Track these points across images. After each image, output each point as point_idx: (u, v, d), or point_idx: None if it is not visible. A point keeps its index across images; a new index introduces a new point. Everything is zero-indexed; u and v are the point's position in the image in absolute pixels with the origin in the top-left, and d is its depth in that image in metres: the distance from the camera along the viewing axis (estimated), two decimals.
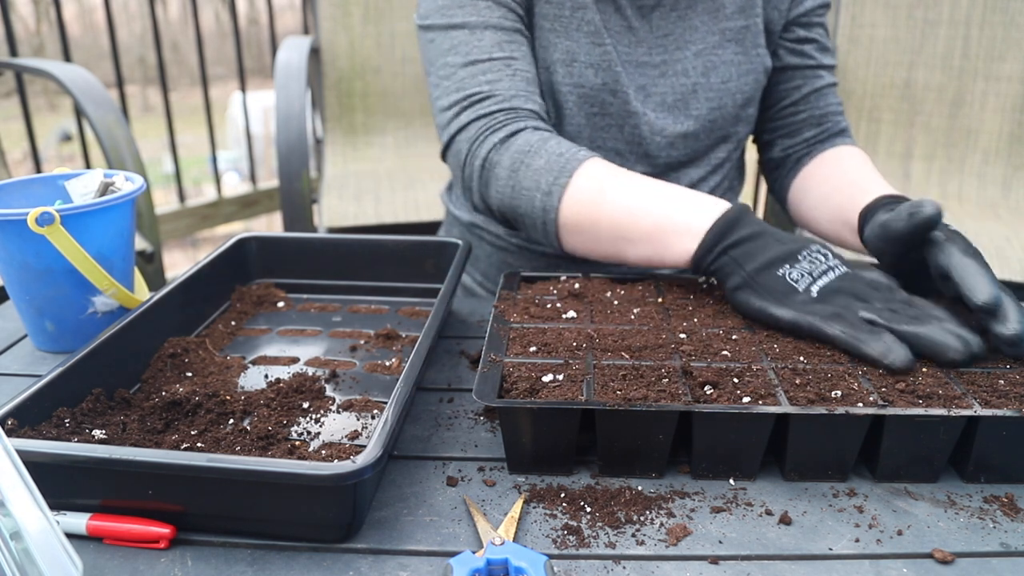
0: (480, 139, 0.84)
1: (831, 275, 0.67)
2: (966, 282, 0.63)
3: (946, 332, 0.62)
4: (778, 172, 1.04)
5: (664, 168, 0.98)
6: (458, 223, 1.09)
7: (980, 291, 0.62)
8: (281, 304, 0.87)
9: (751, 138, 1.06)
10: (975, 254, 0.66)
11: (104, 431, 0.59)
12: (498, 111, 0.84)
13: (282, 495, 0.50)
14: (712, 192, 1.02)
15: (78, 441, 0.57)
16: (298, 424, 0.63)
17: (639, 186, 0.78)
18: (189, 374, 0.70)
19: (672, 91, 0.93)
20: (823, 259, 0.68)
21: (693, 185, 1.00)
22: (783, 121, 1.00)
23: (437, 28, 0.87)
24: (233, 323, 0.82)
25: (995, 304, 0.62)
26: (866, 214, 0.79)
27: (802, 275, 0.67)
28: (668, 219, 0.74)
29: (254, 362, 0.75)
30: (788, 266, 0.67)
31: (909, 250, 0.70)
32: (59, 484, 0.52)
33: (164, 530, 0.51)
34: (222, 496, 0.51)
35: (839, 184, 0.90)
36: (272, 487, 0.49)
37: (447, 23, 0.87)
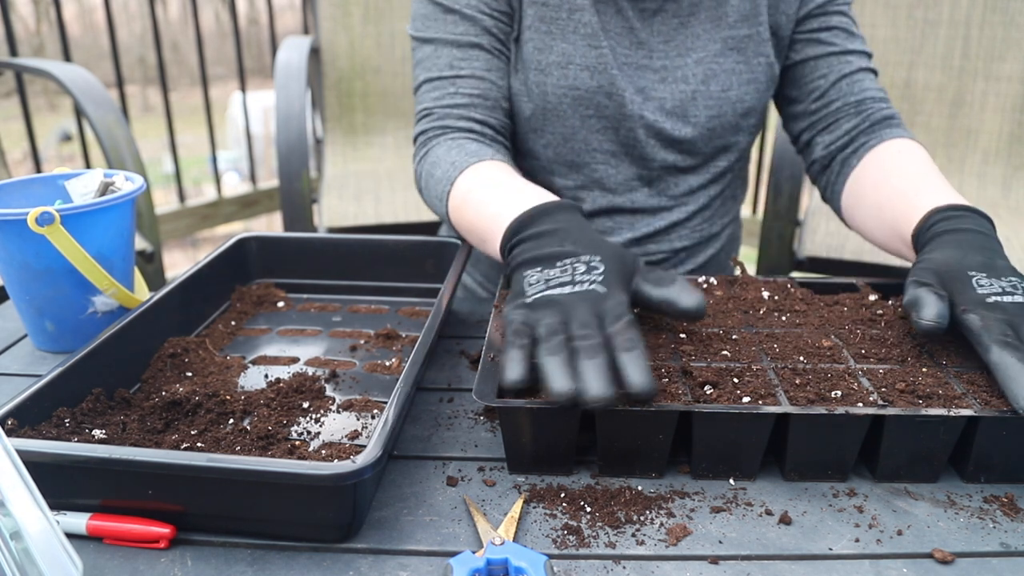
0: (415, 155, 0.93)
1: (566, 289, 0.61)
2: (1009, 387, 0.56)
3: (564, 371, 0.54)
4: (826, 177, 0.95)
5: (660, 173, 0.97)
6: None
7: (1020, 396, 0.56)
8: (281, 304, 0.87)
9: (794, 148, 1.01)
10: (1013, 347, 0.58)
11: (104, 431, 0.59)
12: (430, 128, 0.91)
13: (282, 495, 0.50)
14: (712, 201, 1.01)
15: (78, 441, 0.57)
16: (298, 424, 0.63)
17: (493, 189, 0.80)
18: (189, 374, 0.70)
19: (671, 97, 0.92)
20: (581, 270, 0.62)
21: (691, 192, 0.99)
22: (818, 115, 0.94)
23: (415, 40, 0.94)
24: (233, 323, 0.82)
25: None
26: (917, 235, 0.74)
27: (539, 281, 0.63)
28: (495, 217, 0.74)
29: (254, 362, 0.75)
30: (538, 269, 0.64)
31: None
32: (59, 484, 0.52)
33: (164, 530, 0.51)
34: (222, 496, 0.51)
35: (890, 195, 0.82)
36: (272, 487, 0.49)
37: (420, 36, 0.93)
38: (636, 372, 0.54)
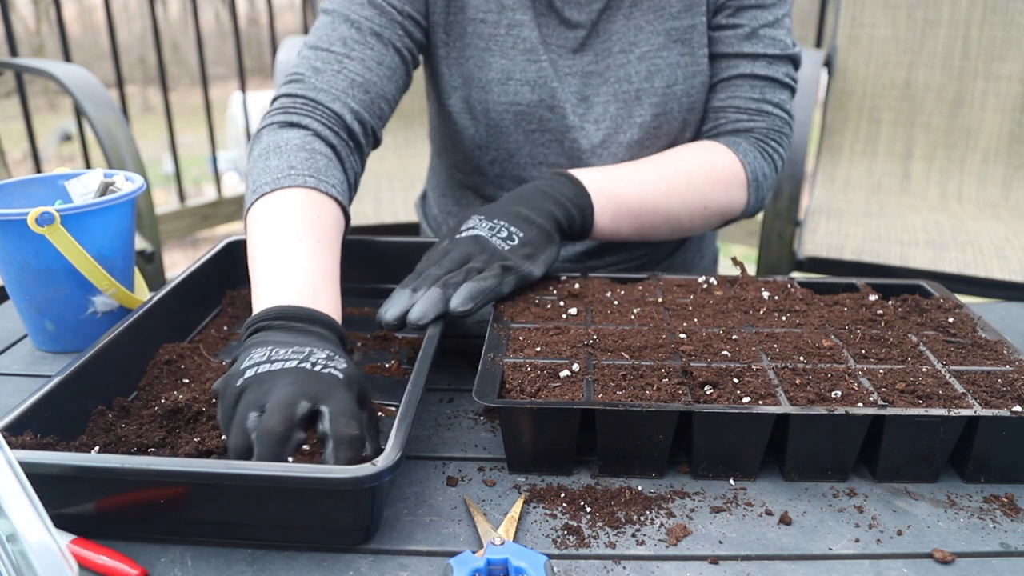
0: (266, 114, 0.82)
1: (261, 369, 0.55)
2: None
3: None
4: None
5: None
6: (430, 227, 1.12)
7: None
8: None
9: None
10: (416, 275, 0.73)
11: (105, 441, 0.59)
12: (296, 97, 0.82)
13: (302, 500, 0.50)
14: None
15: (76, 451, 0.57)
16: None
17: (267, 247, 0.68)
18: (186, 380, 0.70)
19: (615, 98, 0.91)
20: (275, 356, 0.56)
21: None
22: None
23: (320, 12, 0.88)
24: (226, 328, 0.82)
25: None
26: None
27: (250, 365, 0.55)
28: (257, 286, 0.66)
29: None
30: (242, 359, 0.56)
31: None
32: (63, 495, 0.51)
33: (133, 572, 0.49)
34: (239, 503, 0.51)
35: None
36: (292, 493, 0.49)
37: (326, 8, 0.87)
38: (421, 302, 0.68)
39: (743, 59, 0.89)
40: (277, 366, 0.54)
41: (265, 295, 0.63)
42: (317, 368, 0.55)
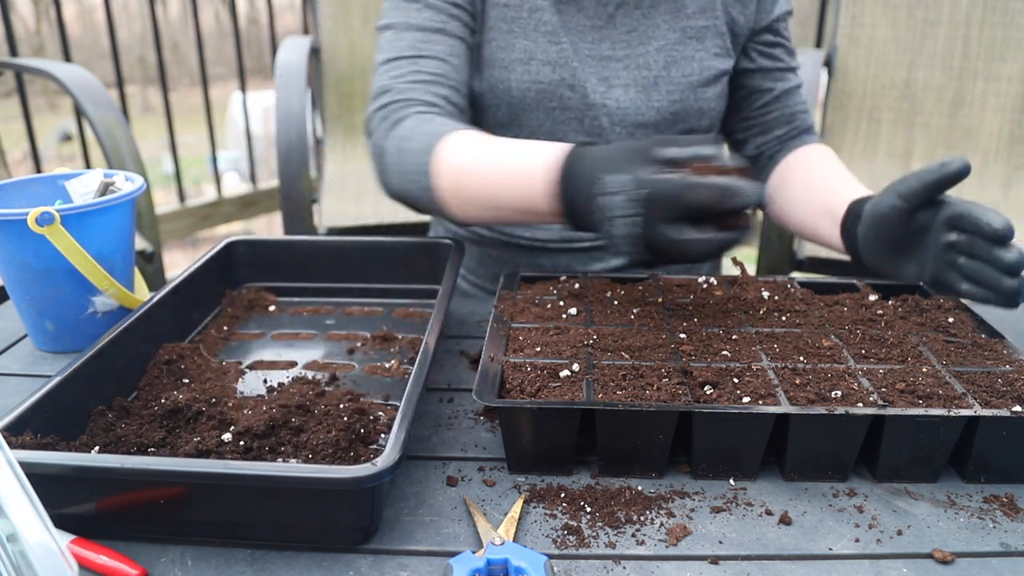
0: (376, 130, 0.89)
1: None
2: (984, 216, 0.65)
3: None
4: (753, 168, 1.05)
5: None
6: (441, 224, 1.12)
7: (996, 220, 0.65)
8: (272, 308, 0.87)
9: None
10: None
11: (105, 441, 0.59)
12: (392, 102, 0.88)
13: (302, 500, 0.50)
14: None
15: (76, 451, 0.57)
16: (303, 428, 0.63)
17: (495, 150, 0.80)
18: (186, 380, 0.70)
19: (635, 82, 0.96)
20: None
21: None
22: (756, 120, 1.04)
23: (380, 29, 0.95)
24: (225, 328, 0.82)
25: (1008, 231, 0.64)
26: (855, 206, 0.81)
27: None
28: (527, 168, 0.75)
29: (251, 367, 0.74)
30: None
31: (919, 207, 0.71)
32: (66, 496, 0.52)
33: (133, 572, 0.50)
34: (239, 504, 0.51)
35: (819, 181, 0.94)
36: (293, 493, 0.49)
37: (381, 25, 0.94)
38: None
39: (792, 72, 1.03)
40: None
41: (535, 158, 0.74)
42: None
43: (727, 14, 0.98)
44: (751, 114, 1.04)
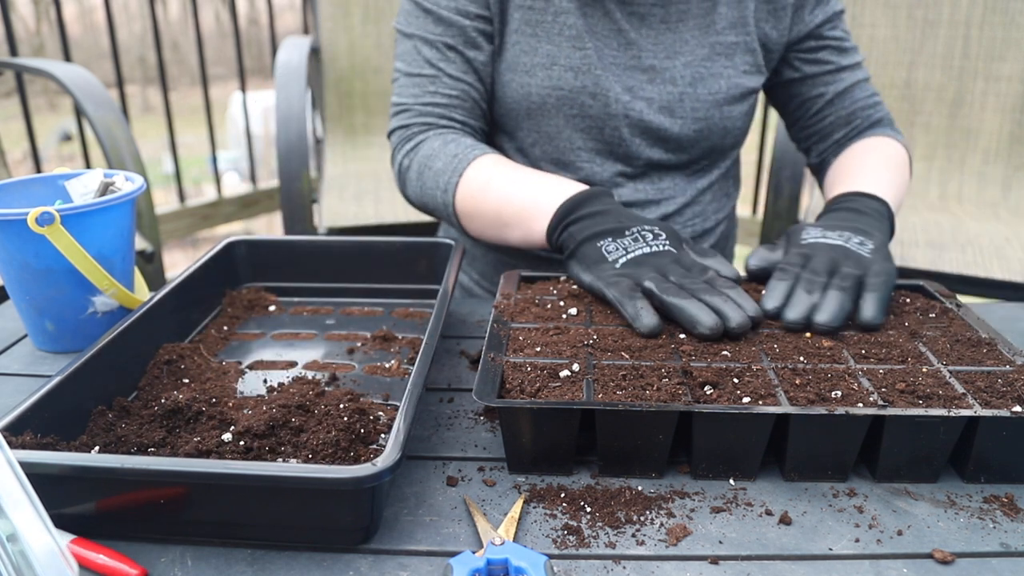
0: (398, 147, 0.96)
1: (645, 250, 0.74)
2: (762, 300, 0.71)
3: (702, 307, 0.66)
4: (819, 178, 1.06)
5: (644, 169, 0.98)
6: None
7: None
8: (272, 308, 0.87)
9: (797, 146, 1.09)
10: (789, 273, 0.73)
11: (105, 441, 0.59)
12: (412, 124, 0.95)
13: (302, 500, 0.50)
14: (701, 196, 1.02)
15: (76, 451, 0.57)
16: (304, 428, 0.63)
17: (516, 176, 0.86)
18: (186, 380, 0.70)
19: (659, 97, 0.94)
20: (649, 237, 0.75)
21: (678, 188, 1.00)
22: (813, 128, 1.03)
23: (399, 34, 0.97)
24: (225, 328, 0.82)
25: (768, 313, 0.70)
26: (822, 211, 0.86)
27: (618, 248, 0.74)
28: (532, 202, 0.83)
29: (251, 367, 0.74)
30: (609, 240, 0.75)
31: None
32: (66, 496, 0.51)
33: (133, 572, 0.50)
34: (238, 503, 0.51)
35: (836, 178, 0.95)
36: (292, 492, 0.49)
37: (404, 31, 0.96)
38: (747, 301, 0.68)
39: (846, 71, 1.00)
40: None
41: (549, 198, 0.82)
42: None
43: (760, 29, 0.95)
44: (808, 123, 1.03)
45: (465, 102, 0.94)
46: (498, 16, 0.94)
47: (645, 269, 0.71)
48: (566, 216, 0.79)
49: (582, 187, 0.82)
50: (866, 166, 0.93)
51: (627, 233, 0.75)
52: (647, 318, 0.67)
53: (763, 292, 0.72)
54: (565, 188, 0.82)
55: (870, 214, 0.83)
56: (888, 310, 0.73)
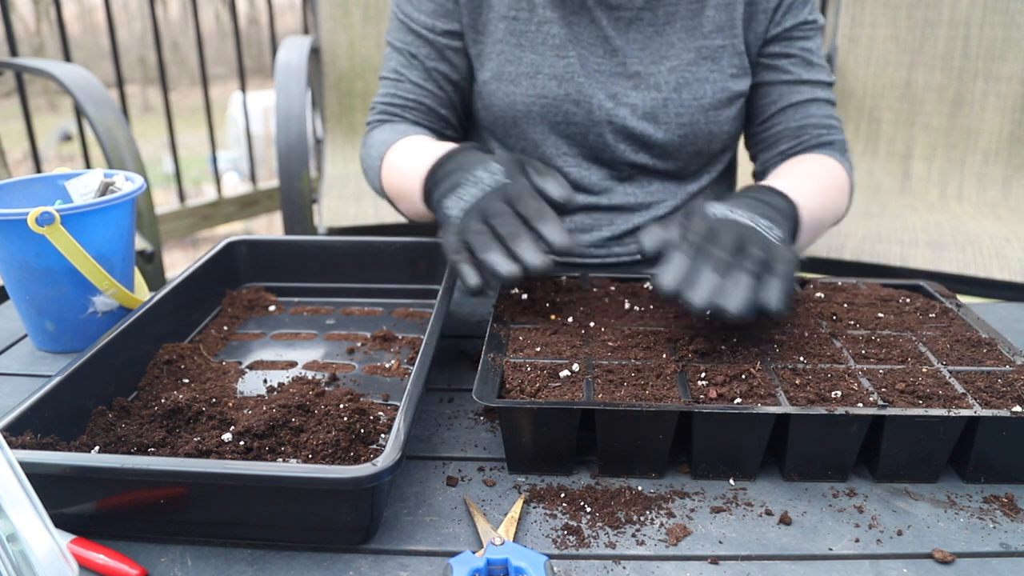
0: (368, 126, 1.03)
1: (477, 192, 0.72)
2: (658, 274, 0.63)
3: (501, 256, 0.64)
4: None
5: (631, 173, 0.99)
6: None
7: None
8: (272, 308, 0.87)
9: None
10: (687, 243, 0.65)
11: (105, 441, 0.59)
12: (373, 120, 1.02)
13: (302, 500, 0.50)
14: (693, 199, 1.01)
15: (76, 451, 0.57)
16: (304, 428, 0.63)
17: (412, 154, 0.89)
18: (186, 380, 0.70)
19: (643, 103, 0.94)
20: (485, 177, 0.72)
21: (669, 191, 1.00)
22: (761, 135, 1.00)
23: (386, 40, 1.03)
24: (225, 328, 0.82)
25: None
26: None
27: (456, 203, 0.73)
28: (414, 175, 0.84)
29: (251, 367, 0.74)
30: (451, 196, 0.74)
31: None
32: (66, 496, 0.51)
33: (133, 572, 0.50)
34: (239, 503, 0.51)
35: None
36: (293, 492, 0.49)
37: (387, 38, 1.02)
38: (552, 231, 0.65)
39: (806, 85, 0.97)
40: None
41: (423, 165, 0.82)
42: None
43: (745, 34, 0.94)
44: (755, 129, 1.01)
45: (420, 106, 0.99)
46: (472, 30, 0.95)
47: (472, 220, 0.68)
48: (430, 183, 0.80)
49: (442, 151, 0.80)
50: (791, 173, 0.91)
51: (463, 183, 0.73)
52: (469, 278, 0.65)
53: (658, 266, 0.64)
54: (435, 154, 0.81)
55: (776, 209, 0.74)
56: (790, 304, 0.68)
